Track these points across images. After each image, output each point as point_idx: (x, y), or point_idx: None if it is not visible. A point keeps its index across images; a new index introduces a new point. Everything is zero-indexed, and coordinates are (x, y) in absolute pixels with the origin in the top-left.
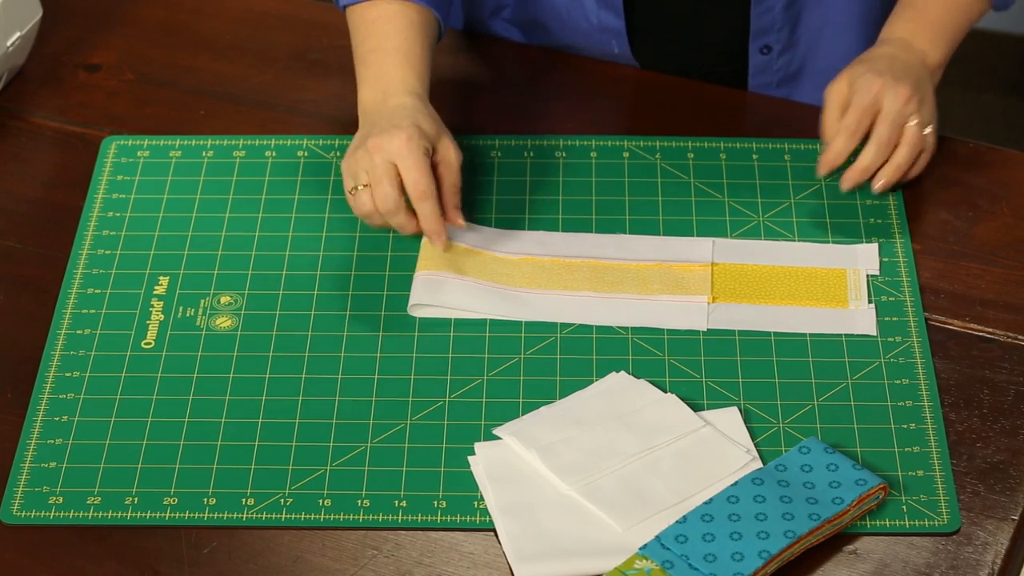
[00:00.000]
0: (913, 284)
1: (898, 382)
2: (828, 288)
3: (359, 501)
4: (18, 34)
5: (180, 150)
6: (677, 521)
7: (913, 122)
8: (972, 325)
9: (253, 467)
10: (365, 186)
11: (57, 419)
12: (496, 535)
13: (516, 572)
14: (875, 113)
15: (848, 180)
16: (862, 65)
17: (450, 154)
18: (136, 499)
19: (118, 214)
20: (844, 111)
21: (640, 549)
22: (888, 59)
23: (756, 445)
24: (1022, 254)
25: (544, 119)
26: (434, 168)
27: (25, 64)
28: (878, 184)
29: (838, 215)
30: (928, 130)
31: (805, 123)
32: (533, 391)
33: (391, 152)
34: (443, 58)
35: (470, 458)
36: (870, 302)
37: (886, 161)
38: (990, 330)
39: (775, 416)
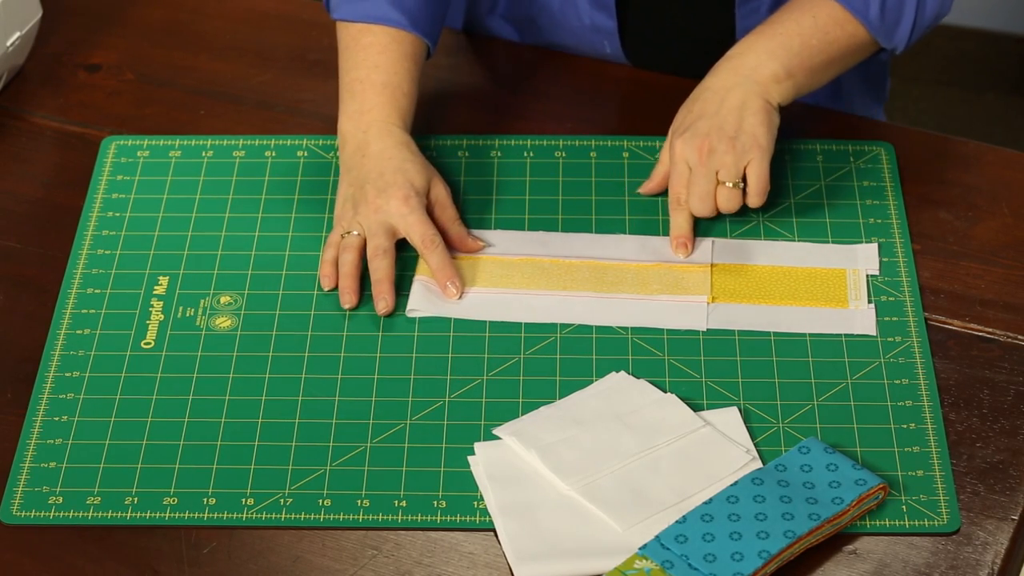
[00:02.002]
0: (913, 284)
1: (898, 382)
2: (828, 288)
3: (359, 501)
4: (18, 34)
5: (180, 150)
6: (677, 521)
7: (728, 183)
8: (972, 325)
9: (253, 467)
10: (358, 234)
11: (57, 419)
12: (496, 535)
13: (516, 572)
14: (688, 174)
15: (681, 250)
16: (680, 112)
17: (442, 193)
18: (136, 499)
19: (118, 214)
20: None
21: (640, 549)
22: (705, 95)
23: (756, 445)
24: (1022, 254)
25: (543, 119)
26: (430, 210)
27: (25, 64)
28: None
29: (838, 215)
30: (749, 173)
31: (803, 123)
32: (533, 391)
33: (391, 213)
34: (442, 59)
35: (470, 458)
36: (870, 302)
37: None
38: (990, 330)
39: (775, 416)
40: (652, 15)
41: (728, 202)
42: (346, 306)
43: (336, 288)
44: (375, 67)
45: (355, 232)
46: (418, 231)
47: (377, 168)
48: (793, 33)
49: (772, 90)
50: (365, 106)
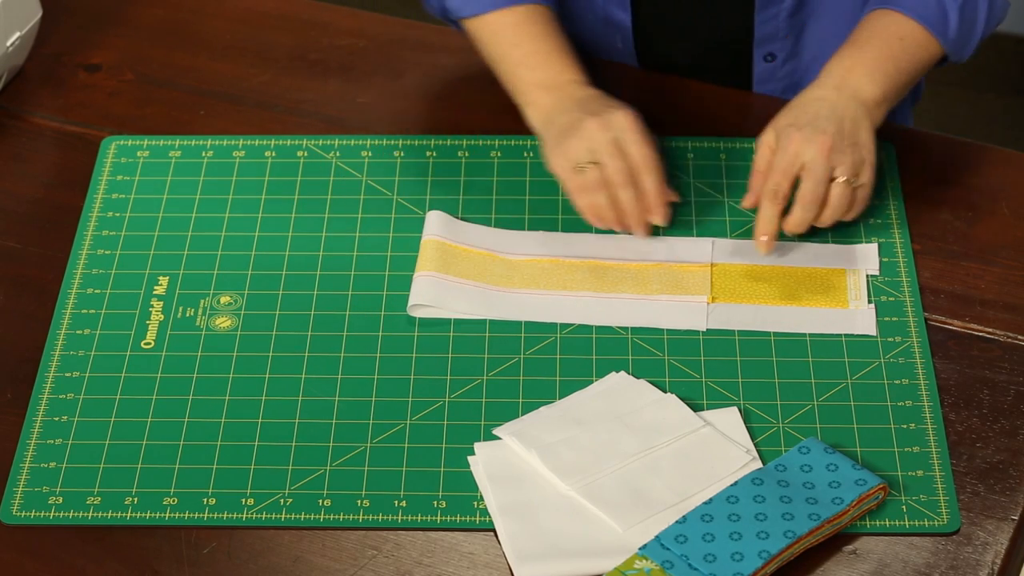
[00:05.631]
0: (913, 284)
1: (898, 382)
2: (828, 288)
3: (359, 501)
4: (18, 34)
5: (180, 150)
6: (677, 521)
7: (841, 178)
8: (972, 325)
9: (253, 467)
10: (593, 163)
11: (57, 419)
12: (496, 535)
13: (516, 572)
14: (797, 170)
15: (764, 246)
16: (788, 114)
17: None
18: (136, 499)
19: (118, 214)
20: (770, 166)
21: (640, 549)
22: (816, 103)
23: (756, 445)
24: (1022, 254)
25: None
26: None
27: (25, 64)
28: (790, 231)
29: None
30: (861, 180)
31: None
32: (533, 391)
33: (620, 127)
34: (443, 58)
35: (470, 458)
36: (870, 302)
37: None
38: (990, 330)
39: (775, 416)
40: (668, 14)
41: (839, 199)
42: (662, 222)
43: (614, 230)
44: (537, 37)
45: (591, 162)
46: (642, 150)
47: (590, 106)
48: (887, 56)
49: (875, 114)
50: (551, 72)
